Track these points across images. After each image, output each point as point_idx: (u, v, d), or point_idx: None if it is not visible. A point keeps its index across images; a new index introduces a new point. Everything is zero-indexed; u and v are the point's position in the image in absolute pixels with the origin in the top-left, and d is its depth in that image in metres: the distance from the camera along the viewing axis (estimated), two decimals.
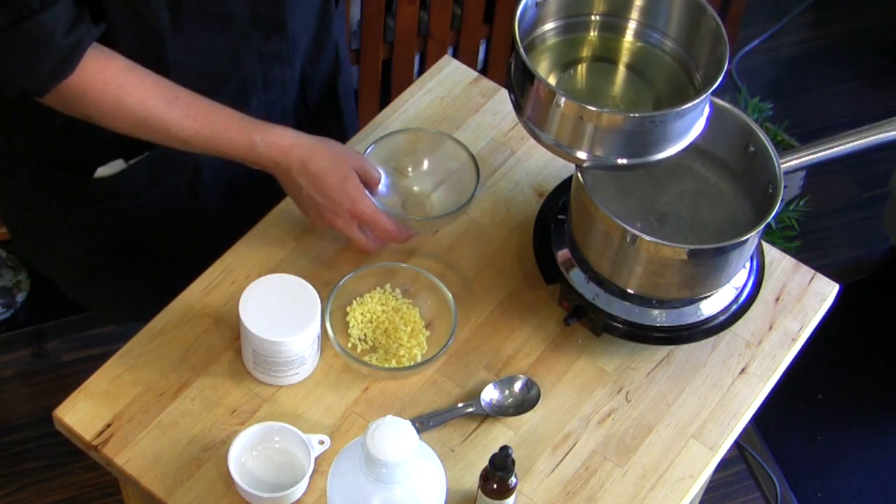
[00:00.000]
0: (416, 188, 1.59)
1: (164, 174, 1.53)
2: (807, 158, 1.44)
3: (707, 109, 1.41)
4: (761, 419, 2.44)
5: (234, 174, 1.52)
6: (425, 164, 1.60)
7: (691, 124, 1.38)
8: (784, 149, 1.72)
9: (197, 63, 1.41)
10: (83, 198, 1.54)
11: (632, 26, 1.48)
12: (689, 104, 1.33)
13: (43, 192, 1.57)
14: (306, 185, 1.41)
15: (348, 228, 1.46)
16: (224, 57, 1.44)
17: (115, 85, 1.32)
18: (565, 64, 1.47)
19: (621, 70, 1.48)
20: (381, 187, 1.53)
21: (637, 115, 1.35)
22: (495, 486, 1.31)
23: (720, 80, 1.33)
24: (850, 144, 1.43)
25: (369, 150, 1.55)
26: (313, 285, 1.41)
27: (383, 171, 1.54)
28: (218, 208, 1.60)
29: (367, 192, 1.45)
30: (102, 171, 1.51)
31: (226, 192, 1.60)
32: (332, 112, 1.70)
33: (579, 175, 1.41)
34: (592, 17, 1.48)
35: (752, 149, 1.45)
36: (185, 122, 1.35)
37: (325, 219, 1.45)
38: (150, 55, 1.36)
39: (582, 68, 1.48)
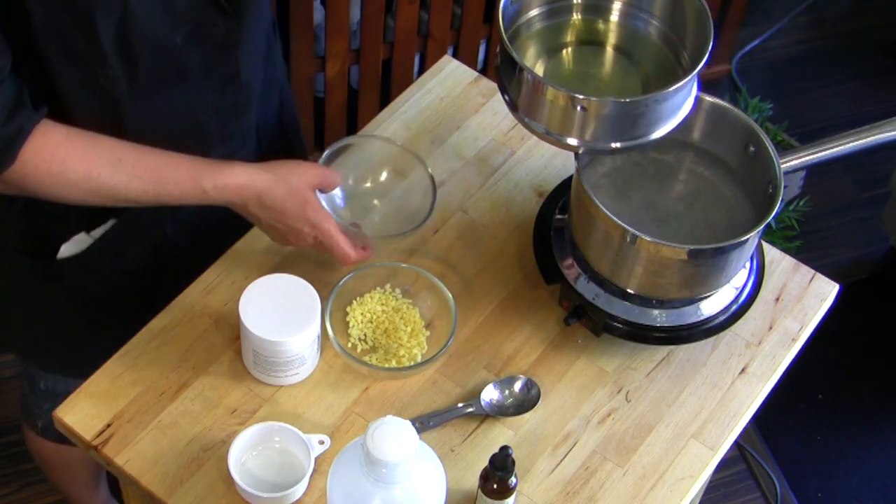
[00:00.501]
0: (374, 201, 1.56)
1: (131, 239, 1.51)
2: (807, 158, 1.44)
3: (695, 89, 1.40)
4: (761, 419, 2.44)
5: (200, 221, 1.50)
6: (383, 176, 1.56)
7: (681, 104, 1.38)
8: (784, 149, 1.72)
9: (154, 123, 1.38)
10: (51, 279, 1.51)
11: (616, 7, 1.47)
12: (677, 85, 1.33)
13: (8, 280, 1.54)
14: (265, 218, 1.39)
15: (316, 247, 1.45)
16: (180, 115, 1.40)
17: (57, 162, 1.27)
18: (552, 49, 1.46)
19: (609, 52, 1.48)
20: (338, 200, 1.51)
21: (626, 100, 1.35)
22: (495, 486, 1.31)
23: (706, 58, 1.33)
24: (850, 144, 1.43)
25: (324, 156, 1.49)
26: (313, 285, 1.41)
27: (340, 187, 1.52)
28: (189, 254, 1.57)
29: (328, 213, 1.42)
30: (67, 250, 1.48)
31: (194, 238, 1.57)
32: (282, 151, 1.65)
33: (579, 175, 1.41)
34: (575, 1, 1.48)
35: (752, 149, 1.45)
36: (133, 182, 1.31)
37: (289, 242, 1.44)
38: (110, 122, 1.33)
39: (569, 53, 1.47)
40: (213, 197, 1.35)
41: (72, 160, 1.28)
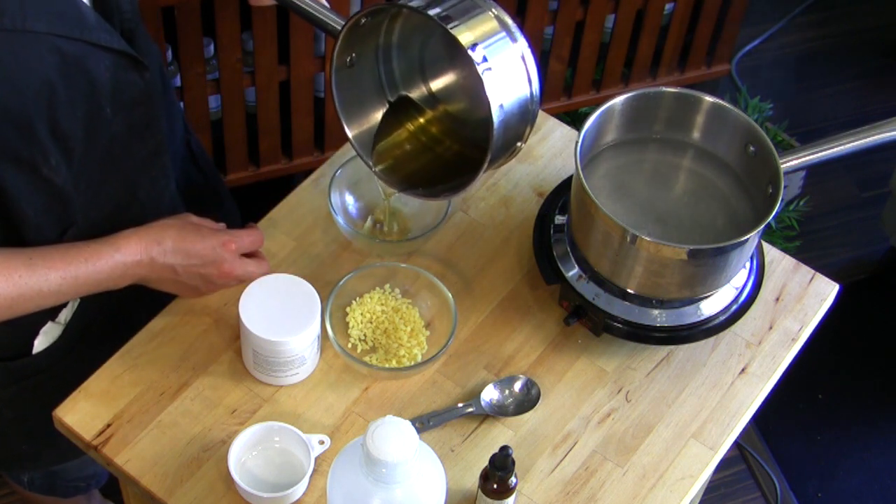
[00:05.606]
0: (389, 209, 1.57)
1: (100, 304, 1.49)
2: (807, 158, 1.44)
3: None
4: (761, 419, 2.44)
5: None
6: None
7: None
8: (784, 149, 1.72)
9: (96, 196, 1.38)
10: (26, 378, 1.50)
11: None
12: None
13: None
14: (175, 261, 1.38)
15: (238, 267, 1.43)
16: (114, 178, 1.40)
17: None
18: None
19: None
20: (351, 210, 1.54)
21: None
22: (495, 486, 1.31)
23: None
24: (850, 144, 1.43)
25: (338, 173, 1.54)
26: (313, 285, 1.41)
27: (353, 195, 1.56)
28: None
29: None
30: (41, 343, 1.47)
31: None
32: (197, 176, 1.65)
33: (580, 175, 1.41)
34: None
35: (752, 149, 1.45)
36: (50, 274, 1.30)
37: (212, 280, 1.43)
38: (57, 214, 1.33)
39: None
40: (123, 259, 1.34)
41: None
